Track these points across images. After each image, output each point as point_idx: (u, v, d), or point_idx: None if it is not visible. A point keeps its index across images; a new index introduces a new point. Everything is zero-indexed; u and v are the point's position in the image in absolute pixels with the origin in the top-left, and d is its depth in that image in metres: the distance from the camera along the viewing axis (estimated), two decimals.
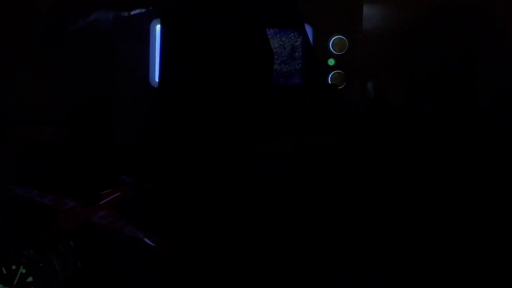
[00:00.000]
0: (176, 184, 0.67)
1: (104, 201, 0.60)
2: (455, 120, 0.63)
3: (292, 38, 0.81)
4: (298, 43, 0.81)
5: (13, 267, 0.39)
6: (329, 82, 0.88)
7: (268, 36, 0.76)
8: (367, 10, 0.90)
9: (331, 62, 0.88)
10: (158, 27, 0.85)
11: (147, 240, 0.53)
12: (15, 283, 0.40)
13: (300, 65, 0.81)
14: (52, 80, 0.79)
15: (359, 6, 0.90)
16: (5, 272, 0.39)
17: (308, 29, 0.86)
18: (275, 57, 0.78)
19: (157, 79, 0.84)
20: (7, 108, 0.74)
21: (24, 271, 0.40)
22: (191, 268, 0.50)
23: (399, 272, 0.38)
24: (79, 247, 0.50)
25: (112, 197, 0.62)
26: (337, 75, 0.89)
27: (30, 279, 0.39)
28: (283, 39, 0.80)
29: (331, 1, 0.89)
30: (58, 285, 0.43)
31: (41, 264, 0.41)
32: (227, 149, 0.68)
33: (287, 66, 0.81)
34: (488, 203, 0.49)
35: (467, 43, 0.76)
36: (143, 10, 0.85)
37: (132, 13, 0.85)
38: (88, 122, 0.80)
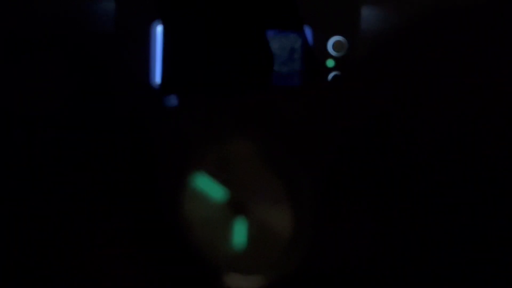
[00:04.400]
0: None
1: None
2: (454, 122, 0.63)
3: (292, 39, 0.81)
4: (298, 44, 0.82)
5: None
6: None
7: (268, 38, 0.77)
8: (366, 12, 0.91)
9: (330, 63, 0.89)
10: (159, 28, 0.85)
11: None
12: None
13: (299, 67, 0.82)
14: (52, 80, 0.79)
15: (358, 7, 0.90)
16: None
17: (308, 31, 0.86)
18: (275, 58, 0.79)
19: (157, 80, 0.85)
20: (7, 108, 0.74)
21: None
22: None
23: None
24: None
25: None
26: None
27: None
28: (282, 40, 0.81)
29: (330, 3, 0.90)
30: None
31: None
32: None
33: (286, 67, 0.81)
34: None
35: (466, 43, 0.77)
36: (144, 11, 0.85)
37: (133, 13, 0.86)
38: (87, 122, 0.81)
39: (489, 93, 0.27)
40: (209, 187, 0.22)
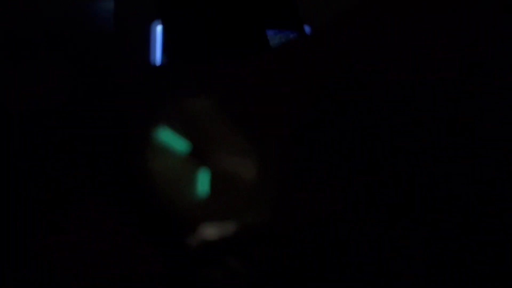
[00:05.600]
0: None
1: None
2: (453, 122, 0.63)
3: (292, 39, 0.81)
4: None
5: None
6: None
7: (268, 38, 0.77)
8: None
9: None
10: (159, 28, 0.85)
11: None
12: None
13: None
14: (52, 80, 0.79)
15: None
16: None
17: (308, 31, 0.86)
18: None
19: None
20: (6, 107, 0.74)
21: None
22: None
23: None
24: None
25: None
26: None
27: None
28: (282, 40, 0.81)
29: (330, 3, 0.89)
30: None
31: None
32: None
33: None
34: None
35: (467, 44, 0.77)
36: (144, 11, 0.85)
37: (133, 13, 0.86)
38: (87, 121, 0.81)
39: (489, 93, 0.27)
40: (172, 140, 0.23)
